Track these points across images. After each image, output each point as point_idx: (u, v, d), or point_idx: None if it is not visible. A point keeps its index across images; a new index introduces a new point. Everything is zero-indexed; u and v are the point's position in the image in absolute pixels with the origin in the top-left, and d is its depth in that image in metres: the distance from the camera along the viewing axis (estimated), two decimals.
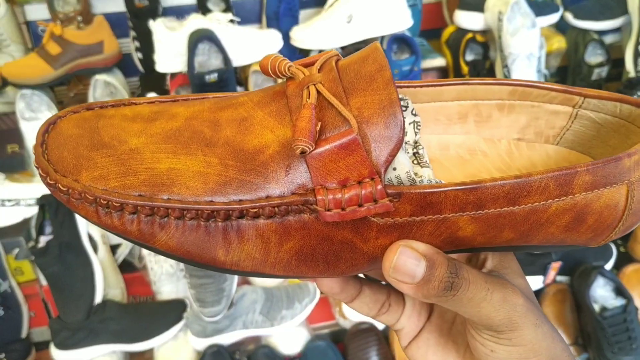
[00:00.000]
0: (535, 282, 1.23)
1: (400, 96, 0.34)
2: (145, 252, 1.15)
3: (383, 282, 0.38)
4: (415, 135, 0.35)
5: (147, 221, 0.28)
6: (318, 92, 0.29)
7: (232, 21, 1.18)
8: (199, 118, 0.31)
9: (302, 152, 0.27)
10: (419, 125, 0.36)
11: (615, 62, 1.41)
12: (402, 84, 0.35)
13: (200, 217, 0.28)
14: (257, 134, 0.29)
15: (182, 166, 0.28)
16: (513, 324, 0.30)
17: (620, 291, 1.17)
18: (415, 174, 0.31)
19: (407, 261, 0.28)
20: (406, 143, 0.36)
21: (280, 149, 0.29)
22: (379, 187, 0.27)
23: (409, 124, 0.35)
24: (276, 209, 0.28)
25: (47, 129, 0.30)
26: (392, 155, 0.27)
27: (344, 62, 0.31)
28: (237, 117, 0.30)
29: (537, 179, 0.28)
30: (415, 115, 0.35)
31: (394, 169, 0.29)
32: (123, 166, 0.28)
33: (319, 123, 0.28)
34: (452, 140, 0.39)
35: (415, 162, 0.35)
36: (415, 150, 0.36)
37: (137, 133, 0.30)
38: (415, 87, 0.35)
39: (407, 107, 0.35)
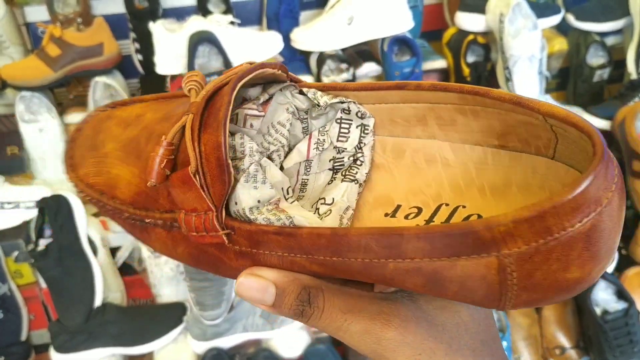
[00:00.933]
0: None
1: (341, 99, 0.34)
2: (145, 255, 1.15)
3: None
4: (361, 140, 0.35)
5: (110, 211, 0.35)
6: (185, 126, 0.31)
7: (232, 23, 1.17)
8: (148, 127, 0.35)
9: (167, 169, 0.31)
10: (367, 129, 0.35)
11: (617, 63, 1.40)
12: (336, 86, 0.34)
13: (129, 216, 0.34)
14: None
15: (122, 173, 0.34)
16: (381, 357, 0.28)
17: (622, 294, 1.17)
18: (282, 210, 0.30)
19: (250, 288, 0.30)
20: (343, 150, 0.36)
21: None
22: (213, 220, 0.30)
23: (356, 127, 0.35)
24: (161, 221, 0.33)
25: (79, 127, 0.39)
26: (222, 195, 0.29)
27: (222, 91, 0.31)
28: (161, 131, 0.33)
29: (354, 238, 0.26)
30: (362, 117, 0.35)
31: (236, 203, 0.30)
32: (96, 167, 0.36)
33: (176, 156, 0.31)
34: (411, 144, 0.35)
35: (342, 174, 0.35)
36: (355, 157, 0.35)
37: (113, 138, 0.36)
38: (351, 90, 0.34)
39: (349, 110, 0.35)
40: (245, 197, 0.30)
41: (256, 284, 0.29)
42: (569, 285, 0.23)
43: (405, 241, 0.25)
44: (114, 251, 1.20)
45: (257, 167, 0.31)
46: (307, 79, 1.26)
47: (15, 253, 1.14)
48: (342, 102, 0.34)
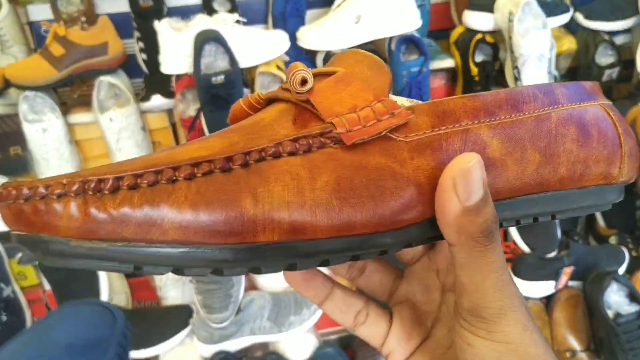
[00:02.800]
0: (547, 287, 1.21)
1: None
2: None
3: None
4: None
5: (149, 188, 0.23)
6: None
7: (238, 22, 1.16)
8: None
9: (304, 82, 0.27)
10: None
11: (626, 63, 1.39)
12: None
13: (214, 168, 0.24)
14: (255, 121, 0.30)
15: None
16: (501, 314, 0.27)
17: (634, 297, 1.15)
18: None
19: (477, 176, 0.25)
20: None
21: (278, 113, 0.28)
22: (389, 102, 0.27)
23: None
24: (296, 144, 0.26)
25: None
26: (387, 83, 0.29)
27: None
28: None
29: (524, 89, 0.31)
30: None
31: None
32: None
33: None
34: None
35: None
36: None
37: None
38: None
39: None
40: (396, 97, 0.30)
41: (480, 176, 0.25)
42: (636, 140, 0.33)
43: (555, 88, 0.31)
44: None
45: None
46: None
47: (19, 255, 1.13)
48: None
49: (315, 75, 0.29)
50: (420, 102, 0.30)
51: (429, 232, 0.28)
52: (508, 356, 0.27)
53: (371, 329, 0.35)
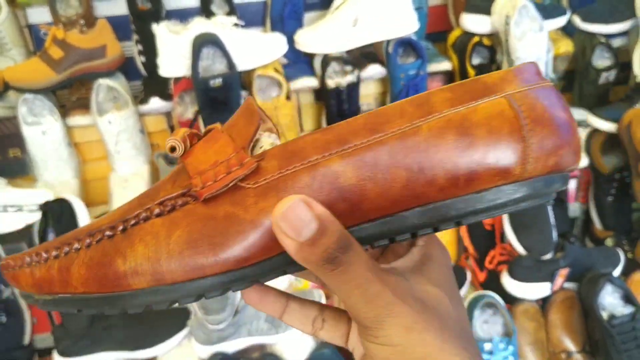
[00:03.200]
0: (543, 288, 1.22)
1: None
2: None
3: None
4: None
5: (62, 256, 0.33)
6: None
7: (236, 25, 1.16)
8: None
9: (172, 149, 0.31)
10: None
11: (623, 65, 1.40)
12: None
13: (102, 236, 0.32)
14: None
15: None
16: (379, 321, 0.28)
17: (628, 299, 1.16)
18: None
19: (299, 214, 0.27)
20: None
21: (169, 175, 0.33)
22: (241, 154, 0.30)
23: None
24: (161, 206, 0.31)
25: None
26: (253, 133, 0.31)
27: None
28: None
29: (390, 107, 0.30)
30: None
31: (261, 147, 0.33)
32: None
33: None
34: None
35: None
36: None
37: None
38: None
39: None
40: (266, 140, 0.33)
41: (303, 212, 0.27)
42: (563, 122, 0.30)
43: (433, 95, 0.30)
44: None
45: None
46: (312, 80, 1.26)
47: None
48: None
49: (201, 137, 0.32)
50: (278, 143, 0.32)
51: (288, 261, 0.30)
52: (396, 356, 0.29)
53: (330, 332, 0.37)
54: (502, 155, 0.29)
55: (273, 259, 0.31)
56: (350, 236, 0.29)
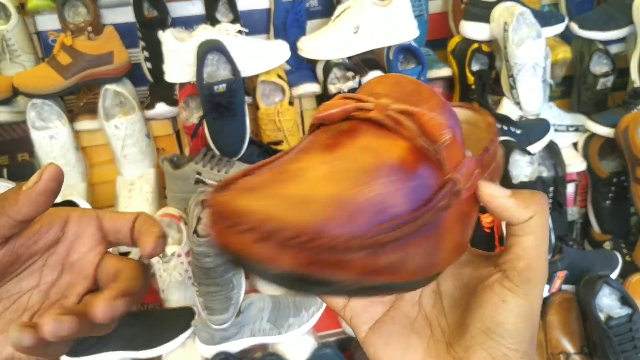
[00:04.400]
0: None
1: None
2: (153, 260, 1.16)
3: None
4: None
5: None
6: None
7: (240, 32, 1.19)
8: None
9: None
10: None
11: (621, 71, 1.42)
12: None
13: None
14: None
15: None
16: (543, 281, 0.32)
17: (626, 300, 1.17)
18: None
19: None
20: None
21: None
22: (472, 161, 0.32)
23: None
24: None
25: None
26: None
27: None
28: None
29: None
30: None
31: None
32: None
33: None
34: None
35: None
36: None
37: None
38: None
39: None
40: None
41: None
42: None
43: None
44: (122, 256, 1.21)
45: None
46: (314, 86, 1.28)
47: None
48: None
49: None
50: None
51: None
52: (530, 313, 0.31)
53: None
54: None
55: None
56: None
